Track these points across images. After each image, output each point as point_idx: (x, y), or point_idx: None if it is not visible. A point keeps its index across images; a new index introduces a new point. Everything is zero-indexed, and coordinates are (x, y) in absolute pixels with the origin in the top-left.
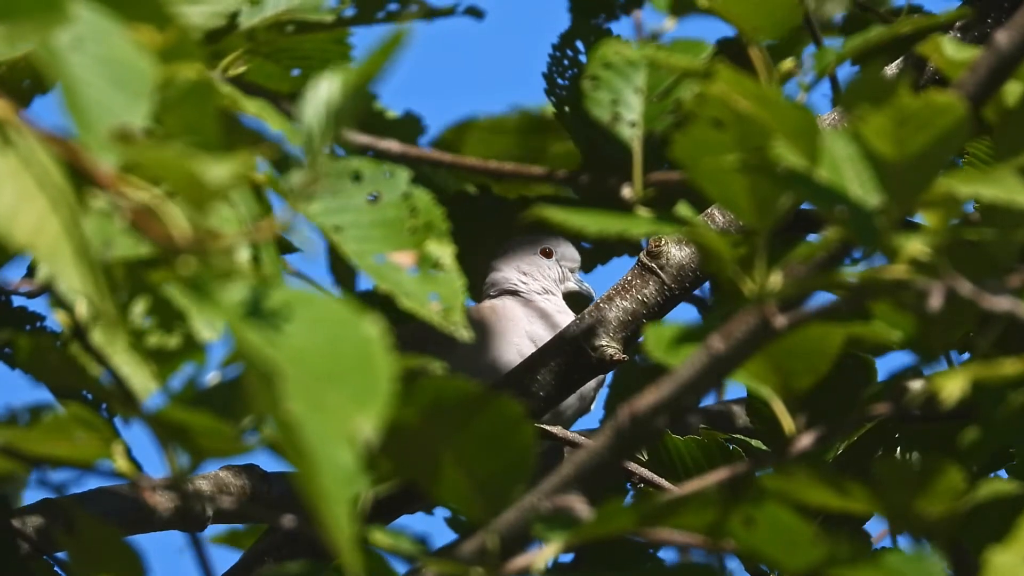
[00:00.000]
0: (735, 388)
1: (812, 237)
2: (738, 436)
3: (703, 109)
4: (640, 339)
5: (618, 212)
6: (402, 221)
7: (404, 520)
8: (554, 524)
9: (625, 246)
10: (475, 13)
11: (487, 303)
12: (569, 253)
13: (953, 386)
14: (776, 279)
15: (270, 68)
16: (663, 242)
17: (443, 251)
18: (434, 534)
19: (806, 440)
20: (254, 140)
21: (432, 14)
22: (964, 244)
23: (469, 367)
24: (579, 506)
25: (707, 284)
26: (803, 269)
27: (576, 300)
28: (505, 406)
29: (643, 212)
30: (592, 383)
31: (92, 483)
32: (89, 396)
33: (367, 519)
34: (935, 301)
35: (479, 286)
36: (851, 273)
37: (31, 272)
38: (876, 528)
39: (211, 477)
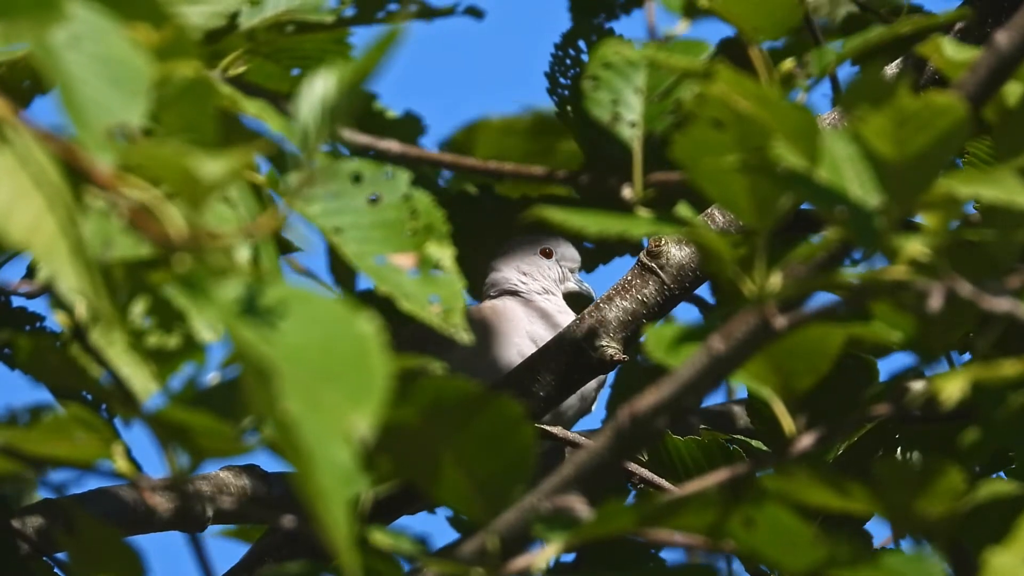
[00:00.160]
0: (743, 389)
1: (813, 238)
2: (738, 437)
3: (703, 109)
4: (640, 339)
5: (618, 212)
6: (402, 223)
7: (404, 520)
8: (554, 524)
9: (627, 245)
10: (475, 13)
11: (487, 303)
12: (569, 253)
13: (952, 387)
14: (776, 279)
15: (270, 68)
16: (663, 242)
17: (443, 253)
18: (434, 534)
19: (806, 440)
20: (254, 139)
21: (432, 14)
22: (964, 244)
23: (469, 367)
24: (579, 506)
25: (707, 284)
26: (803, 269)
27: (576, 300)
28: (505, 406)
29: (643, 212)
30: (593, 383)
31: (92, 483)
32: (89, 396)
33: (367, 519)
34: (935, 302)
35: (480, 286)
36: (851, 274)
37: (31, 272)
38: (877, 529)
39: (211, 477)
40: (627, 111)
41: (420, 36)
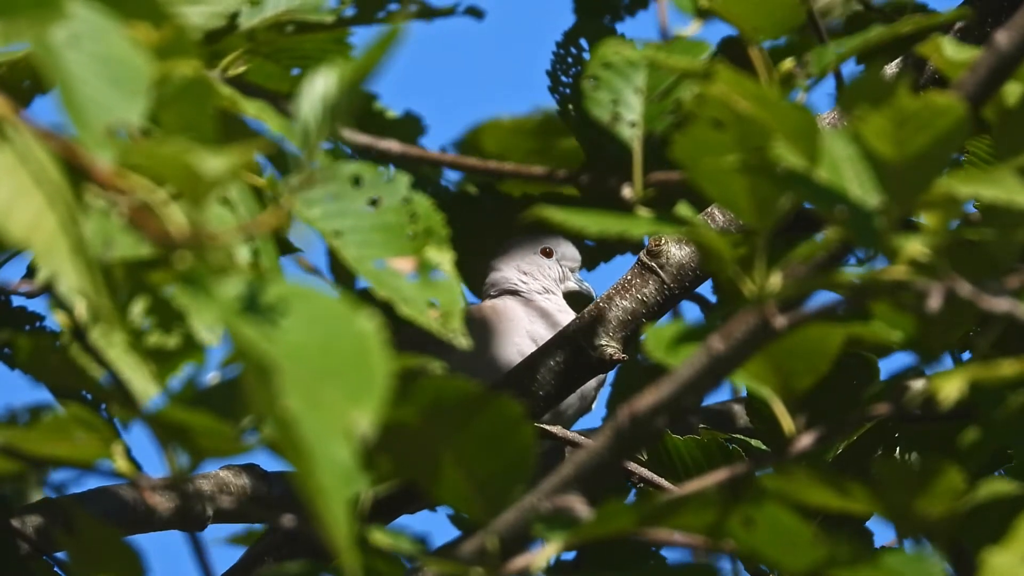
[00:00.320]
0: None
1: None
2: (738, 436)
3: (703, 109)
4: (640, 338)
5: (618, 212)
6: (402, 226)
7: (404, 520)
8: (554, 524)
9: (628, 244)
10: (475, 13)
11: (488, 303)
12: (569, 252)
13: (951, 387)
14: (776, 279)
15: (270, 68)
16: (663, 241)
17: (443, 257)
18: (435, 534)
19: (806, 440)
20: (254, 139)
21: (432, 14)
22: (964, 244)
23: (469, 367)
24: (579, 506)
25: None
26: (803, 269)
27: (576, 299)
28: (505, 406)
29: (643, 212)
30: (593, 382)
31: (92, 483)
32: (89, 396)
33: (367, 519)
34: (934, 302)
35: (480, 286)
36: (851, 274)
37: (31, 272)
38: (877, 529)
39: (211, 477)
40: (627, 111)
41: (420, 36)
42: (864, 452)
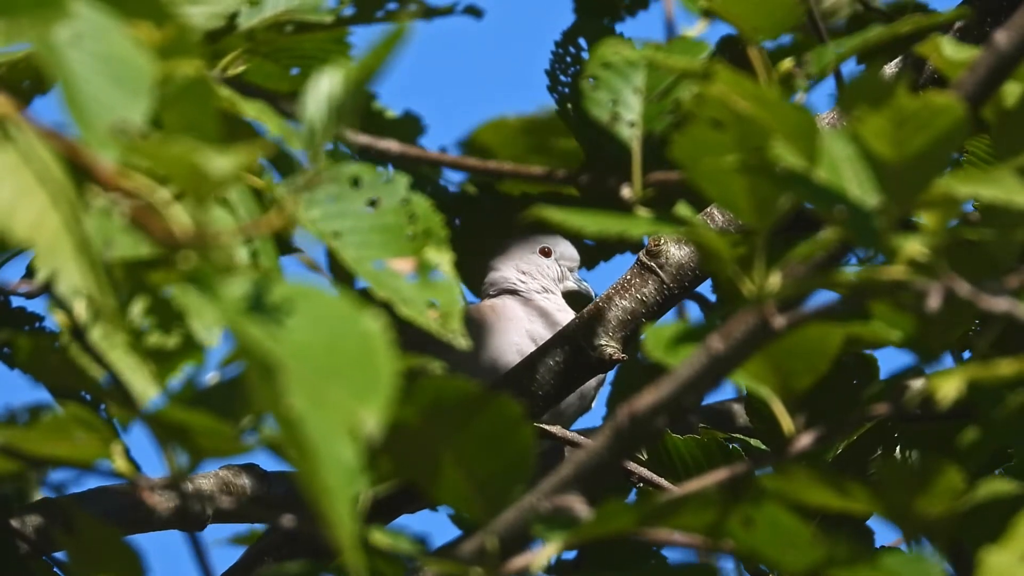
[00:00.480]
0: None
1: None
2: (738, 436)
3: (702, 109)
4: (640, 338)
5: (618, 212)
6: (401, 227)
7: (404, 520)
8: (554, 524)
9: (627, 244)
10: (474, 12)
11: (487, 302)
12: (568, 252)
13: (949, 387)
14: (775, 279)
15: (269, 68)
16: (662, 241)
17: (442, 258)
18: (435, 534)
19: (806, 440)
20: (256, 139)
21: (431, 13)
22: (963, 244)
23: (469, 367)
24: (579, 506)
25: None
26: (802, 269)
27: (575, 299)
28: (505, 406)
29: (643, 212)
30: (592, 382)
31: (92, 483)
32: (89, 396)
33: (367, 519)
34: (933, 302)
35: (479, 285)
36: (850, 273)
37: (30, 272)
38: (877, 530)
39: (211, 477)
40: (626, 111)
41: (420, 36)
42: (864, 452)
